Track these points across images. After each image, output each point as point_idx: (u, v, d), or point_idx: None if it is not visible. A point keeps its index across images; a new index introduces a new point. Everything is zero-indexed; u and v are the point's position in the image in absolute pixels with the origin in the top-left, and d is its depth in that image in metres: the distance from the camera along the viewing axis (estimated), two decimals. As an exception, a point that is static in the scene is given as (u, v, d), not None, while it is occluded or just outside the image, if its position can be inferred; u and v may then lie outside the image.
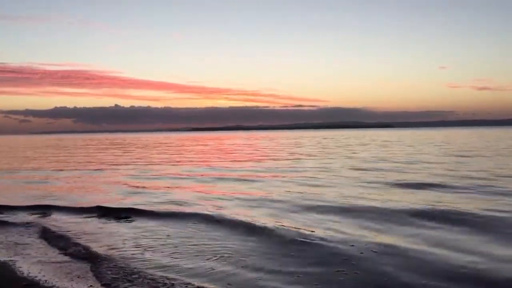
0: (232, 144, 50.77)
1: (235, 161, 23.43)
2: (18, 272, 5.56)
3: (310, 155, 26.84)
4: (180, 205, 9.79)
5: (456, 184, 12.12)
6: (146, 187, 12.99)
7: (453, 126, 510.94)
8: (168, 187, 12.95)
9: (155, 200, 10.57)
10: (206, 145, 50.91)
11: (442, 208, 8.64)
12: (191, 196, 11.02)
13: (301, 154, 28.09)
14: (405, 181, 12.98)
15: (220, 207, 9.39)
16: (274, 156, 27.10)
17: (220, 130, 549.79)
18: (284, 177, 15.12)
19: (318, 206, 9.21)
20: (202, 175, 16.14)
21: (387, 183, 12.74)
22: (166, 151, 37.00)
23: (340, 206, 9.19)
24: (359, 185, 12.51)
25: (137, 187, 13.15)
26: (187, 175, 16.31)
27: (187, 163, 22.21)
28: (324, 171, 16.86)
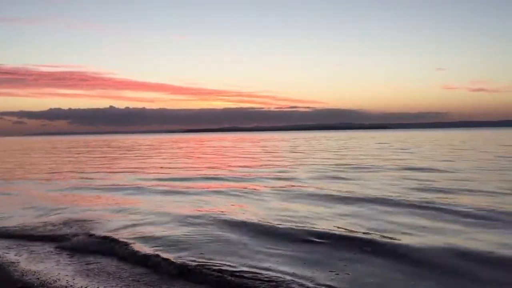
0: (212, 147, 49.49)
1: (192, 168, 21.93)
2: (13, 274, 5.55)
3: (281, 160, 25.60)
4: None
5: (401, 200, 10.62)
6: (67, 202, 11.72)
7: (449, 128, 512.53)
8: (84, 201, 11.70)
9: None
10: (189, 147, 49.63)
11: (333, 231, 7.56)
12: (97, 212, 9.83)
13: (273, 159, 26.85)
14: (348, 194, 11.66)
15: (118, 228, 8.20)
16: (238, 162, 25.83)
17: (215, 132, 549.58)
18: (229, 187, 13.90)
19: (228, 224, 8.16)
20: (149, 186, 14.75)
21: (327, 196, 11.49)
22: (138, 156, 35.73)
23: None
24: (294, 198, 11.32)
25: (58, 201, 11.85)
26: (129, 185, 14.98)
27: (144, 170, 20.90)
28: (281, 179, 15.72)
